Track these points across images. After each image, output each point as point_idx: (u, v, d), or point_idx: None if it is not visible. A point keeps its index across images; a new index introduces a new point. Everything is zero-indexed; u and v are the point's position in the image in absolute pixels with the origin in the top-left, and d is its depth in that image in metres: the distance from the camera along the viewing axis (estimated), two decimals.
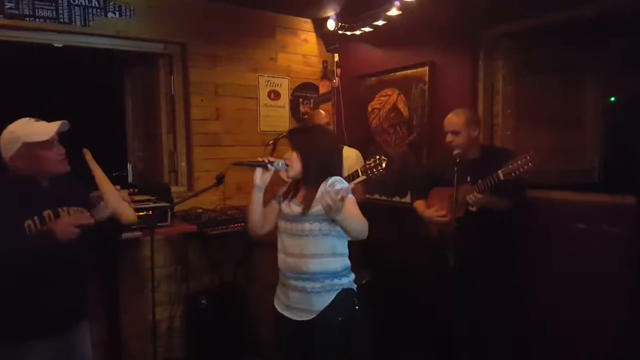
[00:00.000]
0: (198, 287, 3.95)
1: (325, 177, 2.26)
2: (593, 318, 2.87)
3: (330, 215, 2.00)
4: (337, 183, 2.21)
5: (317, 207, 2.21)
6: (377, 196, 4.34)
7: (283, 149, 4.06)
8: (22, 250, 1.95)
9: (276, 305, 2.41)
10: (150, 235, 3.14)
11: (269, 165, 2.28)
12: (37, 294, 2.11)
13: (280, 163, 2.30)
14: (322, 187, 2.25)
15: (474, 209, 2.79)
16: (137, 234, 3.25)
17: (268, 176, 2.32)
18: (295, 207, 2.33)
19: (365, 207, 3.70)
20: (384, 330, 3.79)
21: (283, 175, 2.33)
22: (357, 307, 2.38)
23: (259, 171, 2.31)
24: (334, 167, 2.36)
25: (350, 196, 2.16)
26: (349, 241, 3.46)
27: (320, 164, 2.30)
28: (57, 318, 2.18)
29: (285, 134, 4.05)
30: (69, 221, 2.01)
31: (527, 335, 3.10)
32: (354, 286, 2.39)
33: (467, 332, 3.05)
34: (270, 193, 2.43)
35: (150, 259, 3.12)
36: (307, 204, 2.26)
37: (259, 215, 2.39)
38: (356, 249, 3.51)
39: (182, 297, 3.93)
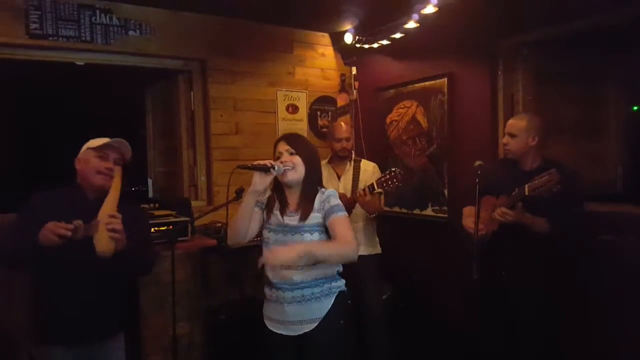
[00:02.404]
0: (218, 302, 3.94)
1: (317, 183, 2.33)
2: (619, 331, 2.80)
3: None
4: (332, 198, 2.26)
5: (313, 217, 2.24)
6: (397, 209, 4.31)
7: None
8: (24, 247, 2.02)
9: (269, 326, 2.34)
10: (170, 250, 3.15)
11: (271, 169, 2.20)
12: (55, 300, 2.18)
13: (280, 167, 2.23)
14: (318, 198, 2.28)
15: (501, 220, 2.66)
16: (158, 249, 3.25)
17: (269, 180, 2.23)
18: (288, 218, 2.28)
19: (384, 220, 3.72)
20: (405, 346, 3.74)
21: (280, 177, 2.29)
22: (351, 310, 2.39)
23: (258, 176, 2.20)
24: (321, 175, 2.43)
25: (342, 214, 2.22)
26: (370, 256, 3.48)
27: (319, 172, 2.37)
28: (77, 327, 2.21)
29: None
30: (49, 226, 1.97)
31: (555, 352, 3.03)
32: (345, 288, 2.38)
33: (493, 349, 2.98)
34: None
35: (171, 273, 3.13)
36: (305, 212, 2.25)
37: (246, 224, 2.28)
38: (377, 263, 3.52)
39: (202, 312, 3.92)
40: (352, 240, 2.17)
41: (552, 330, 2.87)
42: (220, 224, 3.89)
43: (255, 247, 3.67)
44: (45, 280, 2.18)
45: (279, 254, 2.05)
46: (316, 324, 2.23)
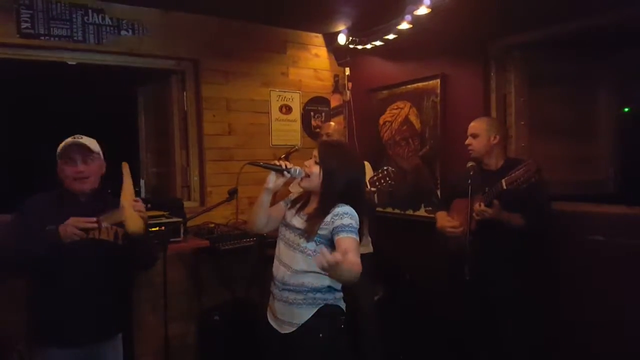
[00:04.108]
0: (211, 302, 3.93)
1: (339, 200, 2.17)
2: (610, 333, 2.82)
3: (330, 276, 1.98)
4: (345, 217, 2.11)
5: (320, 232, 2.16)
6: (390, 209, 4.31)
7: (295, 163, 4.06)
8: (31, 249, 2.06)
9: (267, 316, 2.36)
10: (163, 251, 3.14)
11: (285, 172, 2.21)
12: (53, 304, 2.20)
13: (297, 170, 2.23)
14: (333, 211, 2.15)
15: (478, 217, 2.73)
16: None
17: (282, 181, 2.26)
18: (299, 220, 2.27)
19: (378, 221, 3.72)
20: (399, 346, 3.74)
21: (296, 183, 2.29)
22: (342, 326, 2.26)
23: (273, 175, 2.25)
24: (352, 197, 2.21)
25: (350, 235, 2.07)
26: (362, 256, 3.46)
27: (340, 189, 2.19)
28: (75, 328, 2.22)
29: (297, 147, 4.08)
30: (71, 221, 2.06)
31: (544, 351, 3.04)
32: (341, 304, 2.29)
33: (483, 349, 3.00)
34: (280, 195, 2.39)
35: (163, 274, 3.12)
36: (311, 226, 2.17)
37: (262, 217, 2.33)
38: (369, 263, 3.52)
39: (194, 313, 3.92)
40: (357, 266, 1.99)
41: (537, 330, 2.90)
42: (213, 225, 3.88)
43: (247, 249, 3.70)
44: (44, 282, 2.20)
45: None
46: (295, 329, 2.20)
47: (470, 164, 2.93)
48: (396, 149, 4.28)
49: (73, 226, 2.04)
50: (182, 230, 3.51)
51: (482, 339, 3.00)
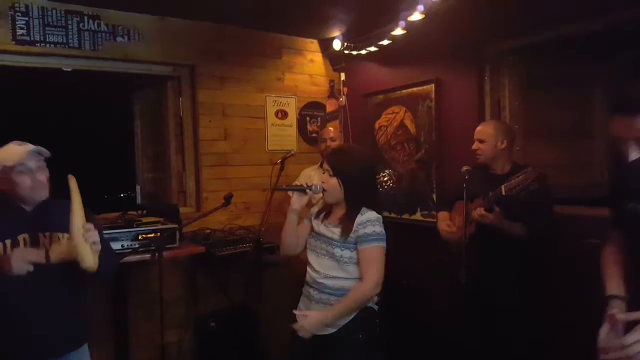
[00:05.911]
0: (207, 309, 3.92)
1: (363, 202, 2.30)
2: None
3: None
4: (368, 225, 2.25)
5: (351, 236, 2.27)
6: (386, 214, 4.30)
7: (291, 167, 4.09)
8: None
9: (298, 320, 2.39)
10: (158, 257, 3.13)
11: (307, 190, 2.33)
12: (8, 321, 2.04)
13: (318, 187, 2.35)
14: (357, 219, 2.28)
15: (478, 220, 2.73)
16: (146, 256, 3.23)
17: (306, 200, 2.37)
18: (327, 229, 2.35)
19: None
20: (396, 351, 3.74)
21: (317, 197, 2.39)
22: (378, 328, 2.37)
23: (296, 195, 2.37)
24: (373, 193, 2.41)
25: (370, 245, 2.25)
26: None
27: (361, 188, 2.33)
28: (37, 345, 2.08)
29: (293, 152, 4.09)
30: (19, 255, 1.88)
31: (543, 355, 3.04)
32: (376, 307, 2.40)
33: (482, 354, 2.99)
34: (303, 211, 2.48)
35: (159, 281, 3.11)
36: (345, 232, 2.27)
37: (293, 238, 2.45)
38: None
39: (191, 319, 3.90)
40: (368, 280, 2.24)
41: (536, 334, 2.90)
42: (209, 231, 3.88)
43: (244, 254, 3.69)
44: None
45: (307, 326, 2.19)
46: (334, 330, 2.26)
47: (465, 168, 2.90)
48: (392, 154, 4.29)
49: (20, 259, 1.85)
50: (177, 237, 3.50)
51: (481, 343, 2.99)
